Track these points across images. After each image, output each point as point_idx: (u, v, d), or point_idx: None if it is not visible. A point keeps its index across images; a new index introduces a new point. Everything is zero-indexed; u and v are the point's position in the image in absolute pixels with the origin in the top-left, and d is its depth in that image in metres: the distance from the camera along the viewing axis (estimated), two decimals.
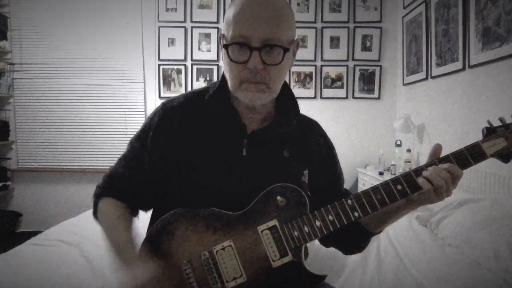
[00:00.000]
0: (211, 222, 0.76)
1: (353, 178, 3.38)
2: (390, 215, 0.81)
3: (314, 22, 3.39)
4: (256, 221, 0.76)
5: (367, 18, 3.37)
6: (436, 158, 0.76)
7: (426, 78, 2.80)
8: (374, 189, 0.75)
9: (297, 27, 3.54)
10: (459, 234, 1.51)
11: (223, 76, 0.83)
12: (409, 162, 2.88)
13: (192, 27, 3.39)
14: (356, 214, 0.75)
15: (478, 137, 0.78)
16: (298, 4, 3.37)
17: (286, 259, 0.74)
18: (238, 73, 0.75)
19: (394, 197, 0.74)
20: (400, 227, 1.74)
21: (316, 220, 0.75)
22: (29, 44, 3.37)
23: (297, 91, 3.41)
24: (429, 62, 2.74)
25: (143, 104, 3.45)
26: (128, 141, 0.91)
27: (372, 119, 3.46)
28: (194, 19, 3.38)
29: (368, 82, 3.44)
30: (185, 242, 0.75)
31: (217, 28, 3.37)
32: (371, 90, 3.44)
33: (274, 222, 0.76)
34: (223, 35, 0.78)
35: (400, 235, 1.66)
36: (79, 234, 1.59)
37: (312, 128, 0.94)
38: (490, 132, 0.77)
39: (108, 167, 0.92)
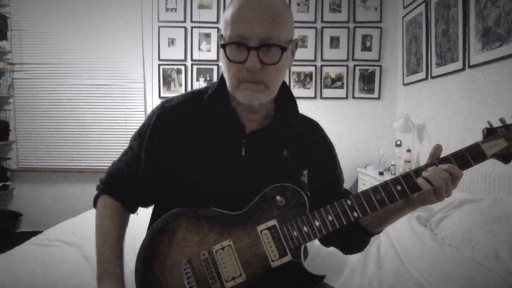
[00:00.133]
0: (210, 222, 0.76)
1: (353, 178, 3.38)
2: (390, 215, 0.81)
3: (314, 22, 3.39)
4: (256, 221, 0.76)
5: (367, 18, 3.37)
6: (436, 158, 0.76)
7: (426, 78, 2.80)
8: (374, 189, 0.75)
9: (297, 27, 3.56)
10: (459, 234, 1.51)
11: (222, 76, 0.83)
12: (409, 162, 2.88)
13: (192, 27, 3.39)
14: (355, 214, 0.74)
15: (478, 137, 0.78)
16: (298, 4, 3.37)
17: (285, 259, 0.74)
18: (236, 73, 0.75)
19: (393, 197, 0.74)
20: (400, 227, 1.74)
21: (316, 220, 0.75)
22: (29, 44, 3.37)
23: (297, 91, 3.42)
24: (429, 62, 2.74)
25: (143, 104, 3.45)
26: (128, 141, 0.91)
27: (372, 119, 3.46)
28: (194, 19, 3.38)
29: (368, 82, 3.44)
30: (184, 241, 0.75)
31: (217, 28, 3.37)
32: (371, 90, 3.44)
33: (273, 222, 0.76)
34: (222, 35, 0.78)
35: (400, 235, 1.66)
36: (79, 234, 1.59)
37: (312, 128, 0.94)
38: (490, 132, 0.77)
39: (108, 167, 0.94)
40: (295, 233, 0.75)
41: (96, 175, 3.38)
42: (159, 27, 3.38)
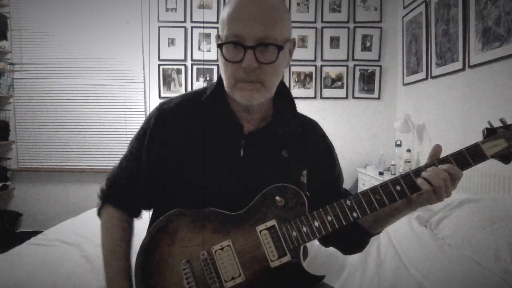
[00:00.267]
0: (210, 222, 0.76)
1: (353, 178, 3.38)
2: (390, 216, 0.81)
3: (314, 22, 3.38)
4: (255, 221, 0.76)
5: (367, 18, 3.37)
6: (435, 158, 0.76)
7: (426, 78, 2.80)
8: (373, 189, 0.75)
9: (297, 27, 3.56)
10: (459, 234, 1.51)
11: (220, 77, 0.83)
12: (409, 162, 2.88)
13: (192, 27, 3.39)
14: (354, 214, 0.74)
15: (478, 137, 0.77)
16: (298, 4, 3.36)
17: (284, 259, 0.74)
18: (233, 72, 0.75)
19: (393, 197, 0.74)
20: (400, 227, 1.74)
21: (315, 221, 0.75)
22: (29, 44, 3.37)
23: (297, 91, 3.42)
24: (429, 62, 2.74)
25: (143, 104, 3.45)
26: (128, 141, 0.91)
27: (372, 119, 3.46)
28: (194, 19, 3.38)
29: (368, 82, 3.44)
30: (184, 241, 0.76)
31: (217, 28, 3.36)
32: (371, 90, 3.44)
33: (272, 222, 0.75)
34: (219, 35, 0.78)
35: (400, 235, 1.66)
36: (79, 234, 1.59)
37: (311, 128, 0.94)
38: (490, 133, 0.77)
39: (108, 167, 0.94)
40: (294, 234, 0.75)
41: (96, 175, 3.39)
42: (159, 27, 3.38)
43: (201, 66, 3.42)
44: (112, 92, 3.43)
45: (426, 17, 2.77)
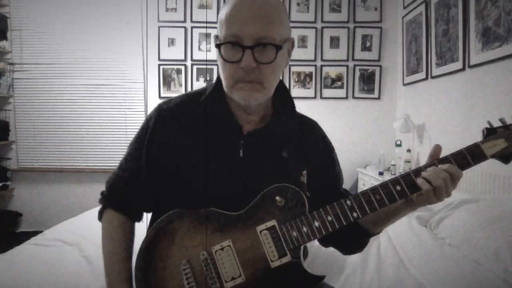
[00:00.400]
0: (210, 222, 0.76)
1: (353, 178, 3.38)
2: (390, 216, 0.81)
3: (314, 22, 3.38)
4: (255, 222, 0.76)
5: (367, 18, 3.37)
6: (435, 158, 0.76)
7: (426, 78, 2.80)
8: (373, 189, 0.75)
9: (297, 27, 3.56)
10: (459, 234, 1.51)
11: (219, 77, 0.83)
12: (409, 162, 2.88)
13: (192, 27, 3.39)
14: (355, 214, 0.74)
15: (478, 137, 0.77)
16: (298, 4, 3.36)
17: (284, 260, 0.74)
18: (231, 72, 0.75)
19: (393, 197, 0.74)
20: (400, 227, 1.74)
21: (315, 221, 0.75)
22: (29, 44, 3.37)
23: (297, 91, 3.42)
24: (429, 62, 2.74)
25: (143, 104, 3.45)
26: (128, 142, 0.91)
27: (372, 119, 3.46)
28: (194, 19, 3.38)
29: (368, 82, 3.44)
30: (184, 242, 0.75)
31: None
32: (371, 90, 3.44)
33: (273, 223, 0.75)
34: (217, 35, 0.78)
35: (400, 235, 1.66)
36: (79, 234, 1.59)
37: (311, 128, 0.94)
38: (490, 132, 0.77)
39: (107, 167, 0.94)
40: (294, 234, 0.75)
41: (96, 175, 3.39)
42: (159, 27, 3.38)
43: (201, 66, 3.42)
44: (112, 92, 3.43)
45: (426, 17, 2.78)
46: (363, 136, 3.47)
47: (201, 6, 3.38)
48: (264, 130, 0.83)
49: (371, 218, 0.82)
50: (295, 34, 3.36)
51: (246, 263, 0.74)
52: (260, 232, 0.75)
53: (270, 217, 0.76)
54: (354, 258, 1.37)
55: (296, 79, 3.44)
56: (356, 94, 3.45)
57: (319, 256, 1.40)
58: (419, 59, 2.91)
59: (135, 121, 3.44)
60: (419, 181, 0.73)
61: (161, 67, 3.41)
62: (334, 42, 3.40)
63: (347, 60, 3.41)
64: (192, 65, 3.42)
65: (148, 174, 0.85)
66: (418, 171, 0.74)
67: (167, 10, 3.38)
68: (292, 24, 3.40)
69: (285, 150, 0.85)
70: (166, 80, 3.43)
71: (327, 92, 3.45)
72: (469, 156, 0.74)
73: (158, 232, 0.77)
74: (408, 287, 1.19)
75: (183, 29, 3.39)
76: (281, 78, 0.88)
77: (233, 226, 0.76)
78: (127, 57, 3.40)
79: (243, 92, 0.76)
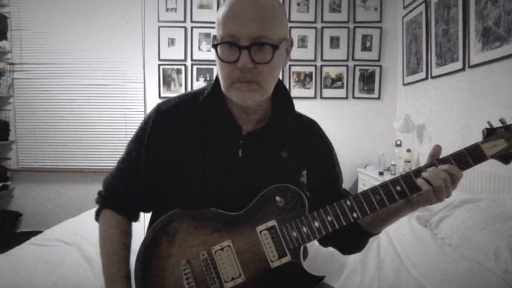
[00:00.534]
0: (210, 222, 0.76)
1: (353, 178, 3.38)
2: (389, 216, 0.81)
3: (314, 22, 3.38)
4: (255, 222, 0.76)
5: (367, 18, 3.37)
6: (435, 159, 0.76)
7: (426, 78, 2.80)
8: (373, 190, 0.75)
9: (297, 27, 3.55)
10: (459, 234, 1.51)
11: (217, 77, 0.83)
12: (409, 162, 2.88)
13: (192, 27, 3.39)
14: (354, 215, 0.74)
15: (478, 137, 0.77)
16: (298, 4, 3.36)
17: (284, 260, 0.74)
18: (228, 73, 0.75)
19: (393, 198, 0.74)
20: (400, 227, 1.74)
21: (315, 221, 0.75)
22: (29, 44, 3.37)
23: (297, 91, 3.42)
24: (429, 62, 2.74)
25: (143, 104, 3.45)
26: (127, 142, 0.91)
27: (372, 119, 3.46)
28: (194, 19, 3.38)
29: (368, 82, 3.44)
30: (184, 242, 0.75)
31: None
32: (371, 90, 3.44)
33: (273, 223, 0.75)
34: (215, 36, 0.78)
35: (400, 235, 1.66)
36: (79, 234, 1.59)
37: (311, 127, 0.93)
38: (490, 133, 0.76)
39: (108, 167, 0.94)
40: (294, 234, 0.74)
41: (96, 175, 3.39)
42: (159, 27, 3.38)
43: (201, 66, 3.42)
44: (112, 92, 3.43)
45: (426, 17, 2.77)
46: (363, 136, 3.47)
47: (201, 6, 3.38)
48: (263, 130, 0.83)
49: (370, 218, 0.82)
50: (295, 34, 3.36)
51: (246, 263, 0.74)
52: (260, 232, 0.75)
53: (270, 217, 0.76)
54: (354, 258, 1.37)
55: (296, 79, 3.44)
56: (356, 94, 3.45)
57: (319, 256, 1.40)
58: (419, 59, 2.91)
59: (135, 121, 3.43)
60: (419, 181, 0.73)
61: (161, 67, 3.41)
62: (334, 42, 3.40)
63: (347, 60, 3.41)
64: (192, 65, 3.42)
65: (146, 174, 0.85)
66: (418, 172, 0.74)
67: (167, 10, 3.38)
68: (292, 24, 3.42)
69: (284, 150, 0.84)
70: (166, 80, 3.43)
71: (327, 92, 3.45)
72: (469, 157, 0.74)
73: (158, 232, 0.77)
74: (408, 287, 1.19)
75: (183, 29, 3.39)
76: (281, 78, 0.88)
77: (233, 226, 0.76)
78: (127, 57, 3.40)
79: (240, 92, 0.75)
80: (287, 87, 3.09)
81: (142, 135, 0.86)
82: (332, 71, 3.43)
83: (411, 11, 3.05)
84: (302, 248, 0.76)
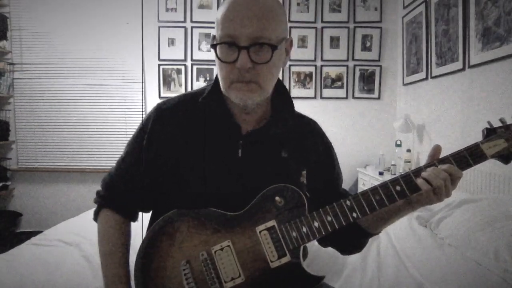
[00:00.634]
0: (209, 223, 0.76)
1: (353, 178, 3.38)
2: (389, 216, 0.81)
3: (314, 22, 3.38)
4: (255, 222, 0.76)
5: (367, 18, 3.37)
6: (435, 159, 0.76)
7: (426, 78, 2.80)
8: (373, 190, 0.75)
9: (297, 27, 3.55)
10: (459, 234, 1.51)
11: (217, 77, 0.83)
12: (409, 162, 2.88)
13: (192, 27, 3.39)
14: (354, 215, 0.74)
15: (478, 137, 0.77)
16: (298, 4, 3.36)
17: (284, 260, 0.74)
18: (228, 73, 0.75)
19: (393, 198, 0.74)
20: (400, 227, 1.74)
21: (315, 221, 0.75)
22: (29, 44, 3.37)
23: (297, 91, 3.42)
24: (429, 62, 2.74)
25: (143, 104, 3.45)
26: (127, 142, 0.91)
27: (372, 119, 3.46)
28: (194, 19, 3.38)
29: (368, 82, 3.44)
30: (183, 242, 0.75)
31: None
32: (371, 90, 3.44)
33: (272, 223, 0.75)
34: (214, 36, 0.78)
35: (400, 235, 1.66)
36: (79, 234, 1.59)
37: (310, 127, 0.93)
38: (490, 133, 0.76)
39: (108, 167, 0.93)
40: (294, 234, 0.74)
41: (96, 175, 3.39)
42: (159, 27, 3.38)
43: (201, 66, 3.42)
44: (112, 92, 3.43)
45: (426, 17, 2.77)
46: (363, 136, 3.47)
47: (201, 6, 3.38)
48: (263, 130, 0.83)
49: (370, 218, 0.82)
50: (295, 34, 3.36)
51: (245, 263, 0.74)
52: (260, 232, 0.75)
53: (270, 218, 0.76)
54: (354, 258, 1.37)
55: (296, 79, 3.44)
56: (356, 94, 3.45)
57: (319, 256, 1.40)
58: (419, 59, 2.91)
59: (135, 121, 3.43)
60: (419, 181, 0.73)
61: (161, 67, 3.41)
62: (334, 42, 3.40)
63: (347, 60, 3.41)
64: (192, 65, 3.42)
65: (146, 174, 0.85)
66: (417, 171, 0.74)
67: (167, 10, 3.38)
68: (292, 24, 3.42)
69: (284, 150, 0.84)
70: (166, 80, 3.43)
71: (327, 92, 3.45)
72: (469, 156, 0.74)
73: (158, 232, 0.77)
74: (408, 287, 1.19)
75: (183, 29, 3.39)
76: (281, 78, 0.88)
77: (232, 226, 0.76)
78: (127, 57, 3.40)
79: (239, 92, 0.75)
80: (287, 87, 3.09)
81: (141, 135, 0.86)
82: (332, 71, 3.43)
83: (411, 11, 3.05)
84: (301, 248, 0.76)
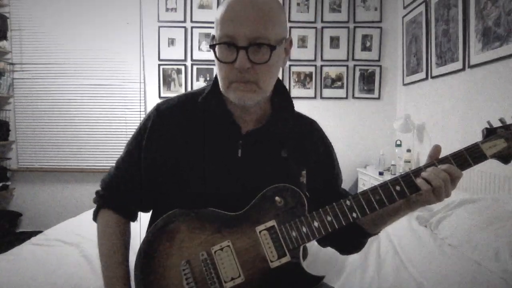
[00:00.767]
0: (209, 223, 0.76)
1: (353, 178, 3.38)
2: (389, 216, 0.81)
3: (314, 22, 3.38)
4: (254, 222, 0.76)
5: (367, 18, 3.37)
6: (435, 158, 0.76)
7: (426, 78, 2.80)
8: (373, 190, 0.75)
9: (297, 27, 3.55)
10: (459, 234, 1.51)
11: (216, 77, 0.83)
12: (409, 162, 2.88)
13: (192, 27, 3.39)
14: (354, 215, 0.74)
15: (478, 137, 0.77)
16: (298, 4, 3.36)
17: (284, 260, 0.74)
18: (226, 73, 0.75)
19: (392, 198, 0.74)
20: (400, 227, 1.74)
21: (314, 221, 0.75)
22: (29, 44, 3.37)
23: (297, 91, 3.42)
24: (429, 62, 2.74)
25: (143, 104, 3.45)
26: (127, 142, 0.91)
27: (372, 119, 3.46)
28: (194, 19, 3.38)
29: (368, 82, 3.44)
30: (183, 242, 0.75)
31: None
32: (371, 90, 3.44)
33: (272, 223, 0.75)
34: (213, 36, 0.78)
35: (400, 235, 1.66)
36: (79, 234, 1.59)
37: (310, 127, 0.93)
38: (490, 132, 0.77)
39: (107, 167, 0.93)
40: (294, 234, 0.74)
41: (96, 175, 3.39)
42: (159, 27, 3.38)
43: (201, 66, 3.42)
44: (112, 92, 3.43)
45: (426, 17, 2.77)
46: (363, 136, 3.47)
47: (201, 6, 3.38)
48: (262, 130, 0.83)
49: (370, 218, 0.82)
50: (295, 34, 3.36)
51: (245, 263, 0.74)
52: (260, 232, 0.75)
53: (270, 218, 0.76)
54: (354, 258, 1.37)
55: (296, 79, 3.44)
56: (356, 94, 3.45)
57: (319, 256, 1.40)
58: (419, 59, 2.91)
59: (135, 121, 3.43)
60: (419, 181, 0.73)
61: (161, 67, 3.41)
62: (334, 42, 3.40)
63: (347, 60, 3.41)
64: (192, 65, 3.42)
65: (145, 174, 0.85)
66: (417, 171, 0.74)
67: (167, 10, 3.38)
68: (292, 24, 3.42)
69: (284, 150, 0.84)
70: (166, 80, 3.43)
71: (327, 92, 3.45)
72: (468, 156, 0.74)
73: (158, 232, 0.77)
74: (408, 287, 1.19)
75: (183, 29, 3.39)
76: (281, 78, 0.88)
77: (232, 227, 0.76)
78: (127, 57, 3.40)
79: (238, 93, 0.75)
80: (287, 87, 3.09)
81: (141, 135, 0.86)
82: (332, 71, 3.43)
83: (411, 11, 3.05)
84: (301, 248, 0.76)
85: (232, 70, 0.74)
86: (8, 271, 1.23)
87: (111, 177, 0.89)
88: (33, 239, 1.56)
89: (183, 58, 3.41)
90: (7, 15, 3.28)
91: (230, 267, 0.73)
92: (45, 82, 3.40)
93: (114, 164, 0.91)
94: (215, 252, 0.74)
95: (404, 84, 3.24)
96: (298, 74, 3.43)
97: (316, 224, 0.75)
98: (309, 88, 3.44)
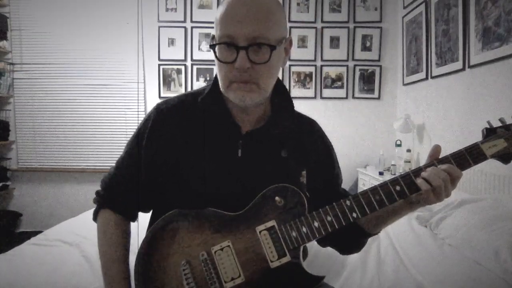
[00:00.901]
0: (209, 223, 0.76)
1: (353, 178, 3.38)
2: (389, 216, 0.81)
3: (314, 22, 3.38)
4: (255, 222, 0.76)
5: (367, 18, 3.37)
6: (435, 158, 0.76)
7: (426, 78, 2.80)
8: (373, 190, 0.75)
9: (297, 27, 3.55)
10: (459, 234, 1.51)
11: (216, 77, 0.83)
12: (409, 162, 2.88)
13: (192, 27, 3.39)
14: (354, 215, 0.74)
15: (478, 137, 0.77)
16: (298, 4, 3.36)
17: (284, 260, 0.74)
18: (226, 73, 0.75)
19: (392, 198, 0.74)
20: (400, 227, 1.74)
21: (315, 221, 0.75)
22: (29, 44, 3.37)
23: (297, 91, 3.42)
24: (429, 62, 2.74)
25: (143, 104, 3.45)
26: (127, 142, 0.91)
27: (372, 119, 3.46)
28: (194, 19, 3.38)
29: (368, 82, 3.44)
30: (183, 242, 0.75)
31: None
32: (371, 90, 3.44)
33: (272, 223, 0.75)
34: (213, 36, 0.78)
35: (400, 235, 1.66)
36: (79, 234, 1.59)
37: (310, 127, 0.93)
38: (490, 132, 0.76)
39: (107, 167, 0.93)
40: (294, 234, 0.74)
41: (96, 175, 3.39)
42: (159, 27, 3.38)
43: (201, 66, 3.42)
44: (112, 92, 3.43)
45: (426, 17, 2.77)
46: (363, 136, 3.47)
47: (201, 6, 3.38)
48: (262, 130, 0.83)
49: (370, 218, 0.82)
50: (295, 34, 3.36)
51: (245, 263, 0.74)
52: (260, 232, 0.75)
53: (270, 218, 0.76)
54: (354, 258, 1.37)
55: (296, 79, 3.44)
56: (356, 94, 3.45)
57: (319, 256, 1.40)
58: (419, 59, 2.91)
59: (135, 121, 3.43)
60: (419, 181, 0.73)
61: (161, 67, 3.41)
62: (334, 42, 3.40)
63: (347, 60, 3.41)
64: (192, 65, 3.42)
65: (145, 174, 0.85)
66: (417, 171, 0.74)
67: (167, 10, 3.38)
68: (292, 24, 3.42)
69: (284, 150, 0.84)
70: (166, 80, 3.43)
71: (327, 92, 3.45)
72: (468, 156, 0.74)
73: (158, 232, 0.77)
74: (408, 287, 1.19)
75: (183, 29, 3.39)
76: (281, 78, 0.88)
77: (232, 227, 0.76)
78: (127, 57, 3.40)
79: (238, 93, 0.75)
80: (287, 87, 3.09)
81: (141, 134, 0.86)
82: (332, 71, 3.43)
83: (411, 11, 3.05)
84: (301, 248, 0.76)
85: (232, 70, 0.74)
86: (8, 271, 1.23)
87: (111, 177, 0.89)
88: (33, 239, 1.56)
89: (183, 58, 3.41)
90: (7, 15, 3.28)
91: (230, 267, 0.73)
92: (45, 82, 3.40)
93: (114, 164, 0.91)
94: (215, 252, 0.74)
95: (404, 84, 3.24)
96: (298, 74, 3.43)
97: (316, 224, 0.75)
98: (309, 88, 3.44)
